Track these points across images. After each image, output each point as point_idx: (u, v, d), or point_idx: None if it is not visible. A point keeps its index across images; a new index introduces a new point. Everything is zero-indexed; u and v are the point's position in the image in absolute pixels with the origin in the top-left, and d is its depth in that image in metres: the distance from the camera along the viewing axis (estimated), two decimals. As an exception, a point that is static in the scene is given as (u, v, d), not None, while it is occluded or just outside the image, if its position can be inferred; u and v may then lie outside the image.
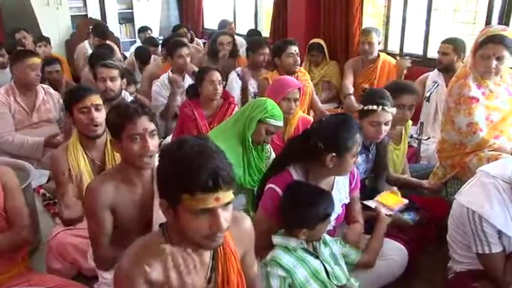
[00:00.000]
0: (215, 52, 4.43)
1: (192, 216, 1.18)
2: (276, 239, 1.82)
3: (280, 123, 2.40)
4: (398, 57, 4.17)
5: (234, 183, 1.21)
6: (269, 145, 2.55)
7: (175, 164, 1.18)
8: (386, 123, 2.29)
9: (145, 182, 1.81)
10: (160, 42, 5.53)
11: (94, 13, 7.02)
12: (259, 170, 2.41)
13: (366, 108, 2.26)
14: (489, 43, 2.46)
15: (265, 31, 6.35)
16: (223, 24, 6.10)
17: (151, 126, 1.77)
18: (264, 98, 2.50)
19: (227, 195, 1.18)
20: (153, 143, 1.77)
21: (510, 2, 3.46)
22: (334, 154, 1.87)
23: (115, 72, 3.13)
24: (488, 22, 3.63)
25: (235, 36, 6.05)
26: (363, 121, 2.28)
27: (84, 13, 7.03)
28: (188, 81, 3.86)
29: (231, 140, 2.37)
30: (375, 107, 2.24)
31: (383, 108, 2.25)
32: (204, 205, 1.16)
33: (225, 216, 1.20)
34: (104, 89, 3.03)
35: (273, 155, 2.54)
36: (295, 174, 1.94)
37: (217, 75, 3.13)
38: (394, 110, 2.30)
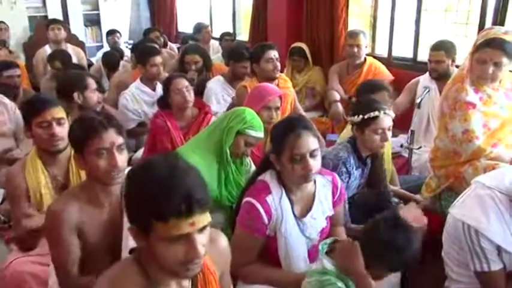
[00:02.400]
0: (183, 70, 4.43)
1: (165, 243, 1.16)
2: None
3: (261, 134, 2.41)
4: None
5: (210, 204, 1.19)
6: (249, 158, 2.55)
7: (143, 188, 1.16)
8: (389, 129, 2.36)
9: (113, 200, 1.78)
10: (130, 46, 5.50)
11: (55, 14, 6.90)
12: (238, 184, 2.41)
13: (366, 116, 2.31)
14: (487, 47, 2.47)
15: (244, 34, 6.38)
16: (199, 27, 6.11)
17: (120, 139, 1.74)
18: (242, 108, 2.51)
19: (203, 219, 1.17)
20: (122, 158, 1.74)
21: (504, 0, 3.53)
22: (275, 155, 1.92)
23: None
24: (481, 22, 3.69)
25: (211, 42, 6.11)
26: (365, 131, 2.33)
27: (43, 14, 6.94)
28: (160, 91, 3.84)
29: (207, 153, 2.37)
30: (376, 113, 2.30)
31: (385, 113, 2.32)
32: (178, 231, 1.14)
33: (202, 241, 1.18)
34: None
35: (253, 169, 2.53)
36: (272, 185, 1.95)
37: (183, 83, 3.13)
38: (393, 114, 2.37)
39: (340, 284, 1.68)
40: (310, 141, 1.87)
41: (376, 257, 1.65)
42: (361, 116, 2.32)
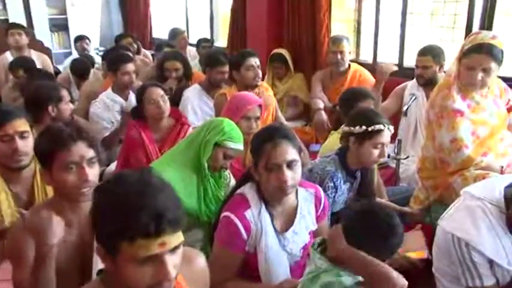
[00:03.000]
0: (162, 78, 4.42)
1: (134, 265, 1.14)
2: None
3: (240, 146, 2.41)
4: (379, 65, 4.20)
5: (183, 223, 1.18)
6: (228, 171, 2.55)
7: (110, 206, 1.15)
8: (387, 145, 2.40)
9: (82, 218, 1.75)
10: (101, 53, 5.47)
11: (17, 17, 6.76)
12: (217, 199, 2.40)
13: (370, 129, 2.32)
14: (475, 53, 2.53)
15: (223, 40, 6.40)
16: (174, 33, 6.11)
17: (90, 153, 1.72)
18: (220, 118, 2.51)
19: (175, 238, 1.16)
20: (93, 172, 1.72)
21: (492, 4, 3.60)
22: (253, 165, 1.95)
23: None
24: (468, 26, 3.76)
25: (188, 48, 6.11)
26: (365, 144, 2.35)
27: (3, 17, 6.84)
28: (133, 100, 3.82)
29: (184, 167, 2.36)
30: (381, 126, 2.33)
31: (388, 128, 2.36)
32: (147, 252, 1.12)
33: (173, 263, 1.16)
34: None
35: (233, 182, 2.53)
36: (251, 198, 1.96)
37: (157, 92, 3.12)
38: (392, 129, 2.42)
39: (343, 278, 1.67)
40: (288, 152, 1.89)
41: (361, 244, 1.68)
42: (364, 127, 2.33)
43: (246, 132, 2.71)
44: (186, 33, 6.31)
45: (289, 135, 1.94)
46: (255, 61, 3.58)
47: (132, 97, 3.83)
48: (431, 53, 3.59)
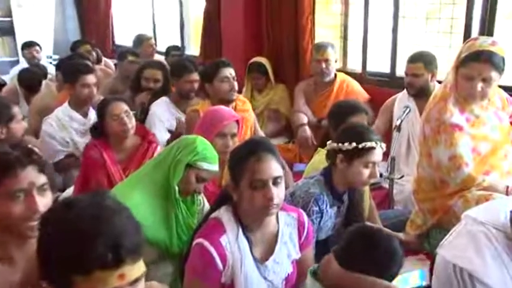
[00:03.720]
0: (138, 88, 4.39)
1: None
2: None
3: (215, 167, 2.40)
4: None
5: (143, 251, 1.18)
6: (201, 195, 2.54)
7: (60, 235, 1.13)
8: (378, 164, 2.42)
9: (29, 256, 1.70)
10: (55, 63, 5.42)
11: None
12: (189, 228, 2.39)
13: (361, 146, 2.33)
14: (474, 61, 2.57)
15: (195, 48, 6.42)
16: (140, 39, 6.10)
17: (41, 178, 1.68)
18: (193, 136, 2.51)
19: (136, 269, 1.15)
20: (44, 201, 1.67)
21: (492, 6, 3.67)
22: (233, 183, 1.95)
23: None
24: (467, 31, 3.83)
25: (155, 57, 6.10)
26: (354, 163, 2.36)
27: None
28: (94, 116, 3.78)
29: (152, 192, 2.35)
30: (373, 144, 2.34)
31: (380, 146, 2.38)
32: (104, 286, 1.11)
33: None
34: None
35: (207, 207, 2.52)
36: (227, 223, 1.96)
37: (121, 107, 3.10)
38: (384, 147, 2.44)
39: None
40: (273, 167, 1.91)
41: (359, 270, 1.76)
42: (353, 144, 2.34)
43: (221, 151, 2.71)
44: (153, 40, 6.31)
45: (273, 149, 1.97)
46: (230, 72, 3.59)
47: (92, 113, 3.80)
48: (422, 60, 3.66)
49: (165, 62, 5.89)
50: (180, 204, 2.39)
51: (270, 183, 1.88)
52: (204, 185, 2.46)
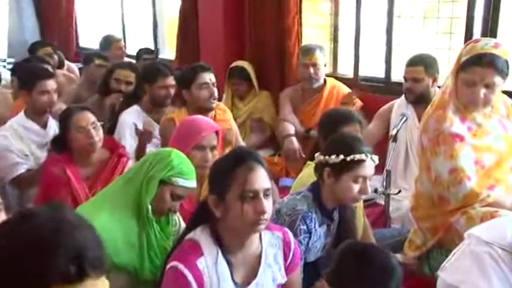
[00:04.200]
0: (106, 91, 4.37)
1: None
2: None
3: (192, 183, 2.40)
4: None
5: (107, 265, 1.18)
6: (177, 215, 2.54)
7: (16, 249, 1.12)
8: (370, 179, 2.42)
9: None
10: (10, 67, 5.38)
11: None
12: (163, 251, 2.38)
13: (349, 159, 2.34)
14: (475, 65, 2.59)
15: (169, 51, 6.42)
16: (108, 41, 6.08)
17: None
18: (167, 149, 2.51)
19: (99, 285, 1.15)
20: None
21: (495, 4, 3.72)
22: (216, 196, 1.94)
23: None
24: (468, 31, 3.88)
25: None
26: (342, 177, 2.37)
27: None
28: (54, 127, 3.75)
29: (121, 211, 2.33)
30: (363, 156, 2.34)
31: (371, 158, 2.38)
32: None
33: None
34: None
35: (183, 227, 2.50)
36: (204, 244, 1.95)
37: (87, 118, 3.08)
38: (377, 160, 2.44)
39: None
40: (264, 178, 1.93)
41: None
42: (341, 157, 2.35)
43: (199, 165, 2.71)
44: (122, 42, 6.30)
45: (261, 160, 1.99)
46: (209, 77, 3.59)
47: (53, 124, 3.76)
48: (422, 63, 3.69)
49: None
50: (153, 225, 2.37)
51: (261, 195, 1.89)
52: (180, 203, 2.45)
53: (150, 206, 2.34)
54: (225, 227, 1.97)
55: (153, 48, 6.48)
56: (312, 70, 4.33)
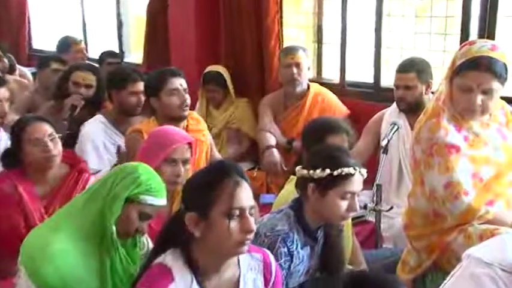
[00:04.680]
0: (64, 94, 4.34)
1: None
2: None
3: (162, 201, 2.39)
4: None
5: None
6: (145, 236, 2.52)
7: None
8: (358, 194, 2.44)
9: None
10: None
11: None
12: (129, 277, 2.36)
13: (336, 173, 2.35)
14: (471, 70, 2.62)
15: (137, 54, 6.41)
16: (66, 43, 6.02)
17: None
18: (134, 164, 2.49)
19: None
20: None
21: (493, 3, 3.77)
22: (196, 214, 1.92)
23: None
24: (464, 32, 3.94)
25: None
26: (328, 193, 2.37)
27: None
28: (6, 141, 3.72)
29: (81, 233, 2.31)
30: (351, 170, 2.35)
31: (360, 172, 2.39)
32: None
33: None
34: None
35: (152, 249, 2.50)
36: (176, 269, 1.94)
37: (44, 130, 3.05)
38: (365, 174, 2.45)
39: None
40: (250, 194, 1.95)
41: None
42: (327, 171, 2.36)
43: (170, 180, 2.73)
44: (83, 44, 6.26)
45: (245, 176, 1.99)
46: (180, 83, 3.58)
47: (4, 136, 3.73)
48: (415, 69, 3.72)
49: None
50: (118, 248, 2.35)
51: (247, 213, 1.90)
52: (149, 223, 2.44)
53: (114, 227, 2.32)
54: (203, 248, 1.95)
55: (117, 51, 6.46)
56: (295, 70, 4.35)
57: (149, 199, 2.34)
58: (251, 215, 1.92)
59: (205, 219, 1.91)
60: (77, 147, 3.93)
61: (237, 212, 1.89)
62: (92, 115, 4.23)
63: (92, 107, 4.31)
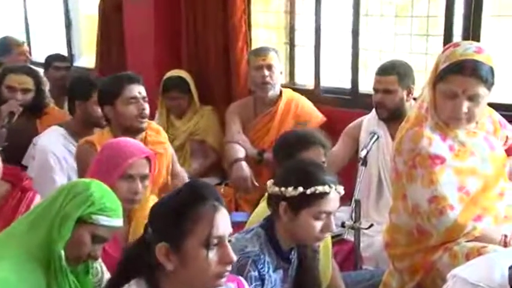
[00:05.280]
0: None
1: None
2: None
3: (117, 222, 2.37)
4: None
5: None
6: (99, 262, 2.51)
7: None
8: (334, 214, 2.45)
9: None
10: None
11: None
12: (81, 309, 2.34)
13: (310, 192, 2.35)
14: (456, 74, 2.65)
15: (88, 58, 6.38)
16: (7, 45, 5.96)
17: None
18: (86, 180, 2.47)
19: None
20: None
21: (478, 2, 3.82)
22: (168, 244, 1.90)
23: None
24: (448, 33, 3.99)
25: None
26: (301, 213, 2.38)
27: None
28: None
29: (25, 259, 2.26)
30: (326, 188, 2.37)
31: (336, 189, 2.40)
32: None
33: None
34: None
35: (107, 277, 2.49)
36: None
37: None
38: (342, 191, 2.46)
39: None
40: (228, 220, 1.94)
41: None
42: (300, 189, 2.36)
43: (127, 198, 2.73)
44: (26, 46, 6.22)
45: (221, 199, 1.98)
46: (138, 90, 3.56)
47: None
48: (395, 72, 3.77)
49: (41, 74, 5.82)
50: (68, 276, 2.30)
51: (226, 241, 1.90)
52: (103, 247, 2.42)
53: (63, 252, 2.28)
54: (173, 280, 1.93)
55: (66, 53, 6.42)
56: (266, 73, 4.36)
57: (103, 219, 2.32)
58: (229, 241, 1.92)
59: (179, 250, 1.88)
60: (36, 163, 3.91)
61: (215, 241, 1.87)
62: (32, 123, 4.22)
63: (31, 113, 4.27)
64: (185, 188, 2.04)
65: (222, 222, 1.90)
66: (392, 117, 3.74)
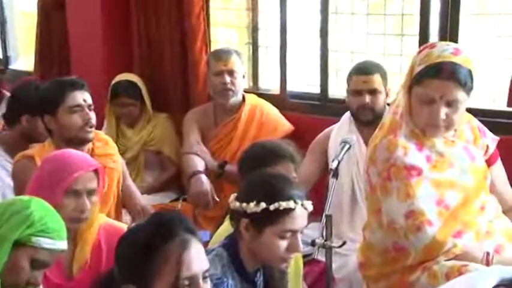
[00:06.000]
0: None
1: None
2: None
3: (61, 244, 2.36)
4: None
5: None
6: (40, 288, 2.49)
7: None
8: (302, 231, 2.45)
9: None
10: None
11: None
12: None
13: (273, 208, 2.36)
14: (432, 78, 2.68)
15: (26, 60, 6.33)
16: None
17: None
18: (25, 198, 2.46)
19: None
20: None
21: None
22: (132, 287, 1.91)
23: None
24: (423, 32, 4.04)
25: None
26: (265, 231, 2.38)
27: None
28: None
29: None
30: (291, 204, 2.37)
31: (302, 205, 2.41)
32: None
33: None
34: None
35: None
36: None
37: None
38: (310, 207, 2.47)
39: None
40: (202, 255, 1.96)
41: None
42: (262, 205, 2.37)
43: (73, 217, 2.71)
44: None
45: (193, 228, 1.98)
46: (83, 98, 3.54)
47: None
48: (378, 71, 3.81)
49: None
50: (4, 305, 2.32)
51: (200, 280, 1.90)
52: (44, 273, 2.41)
53: (-1, 279, 2.30)
54: None
55: (0, 55, 6.37)
56: (228, 79, 4.36)
57: (44, 242, 2.31)
58: (204, 279, 1.92)
59: None
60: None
61: (187, 283, 1.87)
62: None
63: None
64: (151, 222, 2.02)
65: (193, 259, 1.90)
66: (375, 120, 3.68)
